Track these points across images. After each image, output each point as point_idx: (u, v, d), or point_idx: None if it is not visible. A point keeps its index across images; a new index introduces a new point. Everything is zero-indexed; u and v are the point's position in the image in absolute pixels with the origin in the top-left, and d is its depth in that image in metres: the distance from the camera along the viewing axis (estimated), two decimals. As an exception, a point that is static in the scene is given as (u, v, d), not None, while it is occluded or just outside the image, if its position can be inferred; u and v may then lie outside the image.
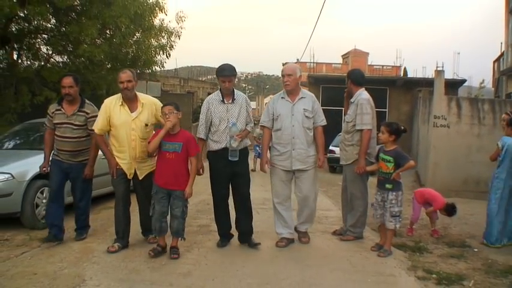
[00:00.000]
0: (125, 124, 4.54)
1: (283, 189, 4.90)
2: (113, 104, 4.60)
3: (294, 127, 4.80)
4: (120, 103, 4.58)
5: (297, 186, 4.92)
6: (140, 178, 4.67)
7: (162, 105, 4.57)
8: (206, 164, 4.75)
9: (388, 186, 4.67)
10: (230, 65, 4.72)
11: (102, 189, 6.72)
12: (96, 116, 4.72)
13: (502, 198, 5.08)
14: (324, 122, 4.97)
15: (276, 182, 4.93)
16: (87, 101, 4.99)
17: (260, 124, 5.10)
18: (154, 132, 4.70)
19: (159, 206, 4.38)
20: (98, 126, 4.61)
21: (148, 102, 4.71)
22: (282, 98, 4.95)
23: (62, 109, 4.86)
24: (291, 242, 4.88)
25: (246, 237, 4.81)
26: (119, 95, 4.64)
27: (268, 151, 5.12)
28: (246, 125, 4.80)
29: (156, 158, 4.56)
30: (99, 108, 4.71)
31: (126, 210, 4.72)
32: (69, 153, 4.86)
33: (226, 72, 4.65)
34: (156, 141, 4.32)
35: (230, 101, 4.70)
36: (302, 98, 4.89)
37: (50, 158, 4.94)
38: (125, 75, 4.56)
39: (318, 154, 4.95)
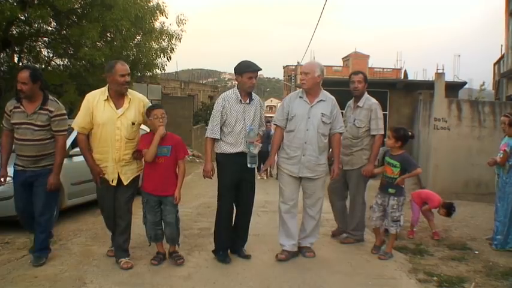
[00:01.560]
0: (109, 122, 4.07)
1: (292, 193, 4.57)
2: (96, 98, 4.10)
3: (308, 131, 4.45)
4: (106, 98, 4.09)
5: (304, 193, 4.67)
6: (125, 183, 4.19)
7: (150, 103, 4.36)
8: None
9: (390, 190, 4.66)
10: (250, 60, 4.44)
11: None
12: (62, 114, 4.20)
13: None
14: (343, 129, 4.68)
15: (284, 186, 4.60)
16: (50, 97, 4.24)
17: (273, 122, 4.75)
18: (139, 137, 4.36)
19: (151, 215, 4.25)
20: (77, 123, 4.12)
21: (136, 99, 4.25)
22: (300, 97, 4.57)
23: (22, 107, 4.11)
24: (293, 256, 4.56)
25: (238, 248, 4.56)
26: (103, 89, 4.17)
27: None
28: (259, 128, 4.54)
29: (142, 160, 4.31)
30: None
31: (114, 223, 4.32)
32: (30, 159, 4.14)
33: (254, 66, 4.34)
34: (153, 149, 4.09)
35: (247, 101, 4.41)
36: (321, 100, 4.53)
37: (13, 169, 4.26)
38: (125, 67, 4.11)
39: (333, 165, 4.64)
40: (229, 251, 4.52)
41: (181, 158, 4.29)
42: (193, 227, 5.79)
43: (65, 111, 4.27)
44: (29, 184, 4.19)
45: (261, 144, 4.37)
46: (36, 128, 4.11)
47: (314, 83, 4.50)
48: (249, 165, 4.32)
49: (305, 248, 4.66)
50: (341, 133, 4.69)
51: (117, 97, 4.14)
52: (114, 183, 4.16)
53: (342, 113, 4.77)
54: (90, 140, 4.19)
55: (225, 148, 4.38)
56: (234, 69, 4.47)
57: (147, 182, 4.25)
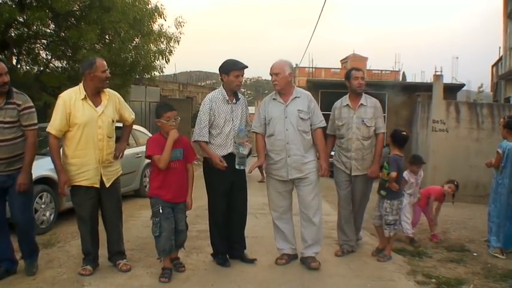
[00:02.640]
0: (91, 121, 3.87)
1: (280, 201, 4.46)
2: (73, 98, 3.87)
3: (288, 131, 4.28)
4: (83, 97, 3.89)
5: (298, 196, 4.45)
6: (107, 186, 4.02)
7: (122, 98, 4.22)
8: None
9: (382, 192, 4.66)
10: (236, 59, 4.33)
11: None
12: (30, 107, 3.87)
13: (508, 204, 5.01)
14: (323, 123, 4.45)
15: (272, 193, 4.49)
16: (14, 89, 3.86)
17: (251, 130, 4.55)
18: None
19: (168, 223, 3.94)
20: (54, 126, 3.85)
21: (112, 95, 4.11)
22: (273, 99, 4.43)
23: None
24: (292, 259, 4.48)
25: (239, 253, 4.47)
26: (77, 88, 3.96)
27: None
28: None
29: (120, 161, 4.17)
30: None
31: (94, 231, 4.11)
32: (3, 162, 3.76)
33: (241, 64, 4.25)
34: (168, 154, 3.88)
35: (234, 101, 4.31)
36: (296, 97, 4.36)
37: None
38: (105, 62, 3.96)
39: (320, 161, 4.39)
40: (228, 256, 4.42)
41: (191, 161, 4.18)
42: (191, 229, 5.74)
43: (32, 104, 3.94)
44: (2, 189, 3.83)
45: (251, 145, 4.29)
46: (6, 126, 3.76)
47: (286, 82, 4.36)
48: (237, 167, 4.17)
49: (309, 258, 4.38)
50: (322, 127, 4.46)
51: (95, 95, 3.98)
52: (97, 185, 3.97)
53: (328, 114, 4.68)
54: (65, 145, 3.97)
55: (214, 151, 4.25)
56: (219, 68, 4.34)
57: (162, 190, 3.98)
